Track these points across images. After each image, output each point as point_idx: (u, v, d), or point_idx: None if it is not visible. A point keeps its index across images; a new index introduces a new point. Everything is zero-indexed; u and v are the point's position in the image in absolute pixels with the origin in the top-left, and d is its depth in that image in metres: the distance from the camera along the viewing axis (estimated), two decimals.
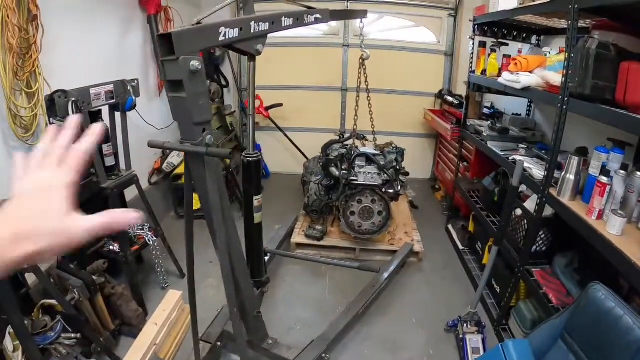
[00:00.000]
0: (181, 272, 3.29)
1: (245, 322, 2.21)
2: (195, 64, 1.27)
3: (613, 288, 2.04)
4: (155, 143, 1.53)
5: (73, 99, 2.24)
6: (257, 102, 5.27)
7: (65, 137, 0.63)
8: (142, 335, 2.38)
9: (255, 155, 2.02)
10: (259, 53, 1.67)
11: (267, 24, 1.64)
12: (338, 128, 5.58)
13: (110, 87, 2.56)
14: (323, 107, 5.61)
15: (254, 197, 2.10)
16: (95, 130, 0.65)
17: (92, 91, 2.43)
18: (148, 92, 4.06)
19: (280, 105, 5.34)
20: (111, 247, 2.78)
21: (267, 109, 5.31)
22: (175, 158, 4.30)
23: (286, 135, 5.39)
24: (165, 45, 1.26)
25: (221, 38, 1.42)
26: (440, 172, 5.12)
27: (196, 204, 4.08)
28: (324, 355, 2.39)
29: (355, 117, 3.41)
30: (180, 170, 4.25)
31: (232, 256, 1.82)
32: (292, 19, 1.79)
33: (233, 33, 1.47)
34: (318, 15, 1.97)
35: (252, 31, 1.58)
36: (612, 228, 1.80)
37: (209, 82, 4.88)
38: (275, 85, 5.50)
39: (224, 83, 5.38)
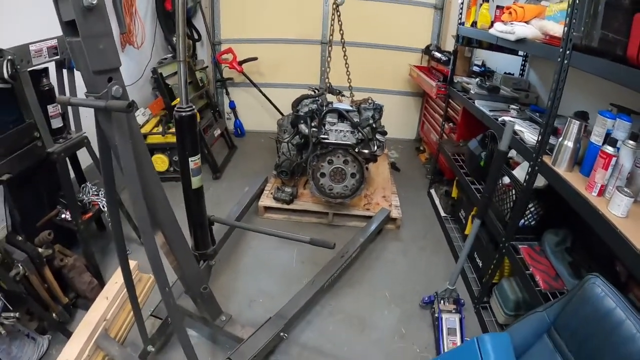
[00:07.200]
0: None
1: (193, 298, 2.04)
2: None
3: (609, 273, 1.80)
4: (62, 100, 1.30)
5: (9, 57, 1.98)
6: (230, 56, 4.94)
7: None
8: (91, 310, 2.22)
9: (188, 109, 1.70)
10: None
11: None
12: (317, 84, 5.22)
13: (54, 42, 2.25)
14: (301, 62, 5.23)
15: (190, 159, 1.79)
16: None
17: (32, 47, 2.14)
18: None
19: (255, 59, 5.01)
20: (63, 216, 2.54)
21: (240, 63, 4.97)
22: (140, 117, 4.04)
23: (261, 91, 5.05)
24: None
25: None
26: (425, 133, 4.82)
27: (163, 166, 3.92)
28: (281, 334, 2.17)
29: (327, 70, 3.07)
30: (145, 130, 3.94)
31: (162, 227, 1.60)
32: None
33: None
34: None
35: None
36: (616, 208, 1.51)
37: None
38: (249, 38, 5.15)
39: (195, 37, 5.08)
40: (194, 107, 1.83)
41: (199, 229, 2.14)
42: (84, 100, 1.16)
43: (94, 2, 1.03)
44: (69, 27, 1.07)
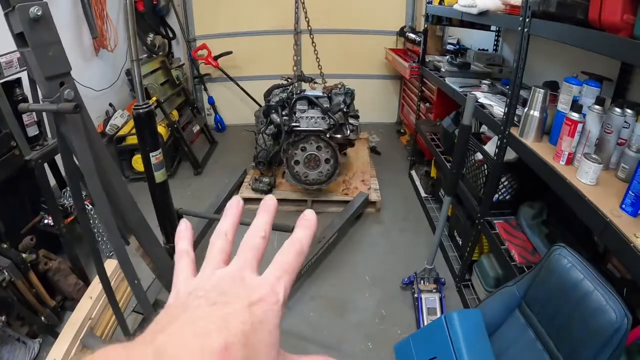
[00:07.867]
0: (125, 238, 2.95)
1: (167, 291, 2.02)
2: (34, 10, 1.06)
3: (587, 245, 1.77)
4: (22, 107, 1.33)
5: None
6: (205, 52, 4.89)
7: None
8: (76, 310, 2.23)
9: (145, 106, 1.66)
10: None
11: None
12: (292, 73, 5.17)
13: None
14: (276, 52, 5.14)
15: (151, 154, 1.76)
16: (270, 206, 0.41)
17: (2, 60, 2.17)
18: (83, 52, 3.86)
19: (230, 53, 4.94)
20: (46, 221, 2.52)
21: (215, 58, 4.90)
22: (118, 119, 4.00)
23: (238, 85, 4.97)
24: None
25: None
26: (405, 115, 4.78)
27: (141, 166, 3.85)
28: None
29: (296, 58, 3.02)
30: (124, 131, 3.89)
31: (134, 231, 1.68)
32: None
33: None
34: None
35: None
36: (584, 176, 1.48)
37: (152, 35, 4.49)
38: (223, 32, 5.12)
39: (170, 35, 5.03)
40: (150, 103, 1.81)
41: (168, 222, 2.14)
42: (40, 106, 1.19)
43: (39, 14, 1.05)
44: (20, 38, 1.10)
